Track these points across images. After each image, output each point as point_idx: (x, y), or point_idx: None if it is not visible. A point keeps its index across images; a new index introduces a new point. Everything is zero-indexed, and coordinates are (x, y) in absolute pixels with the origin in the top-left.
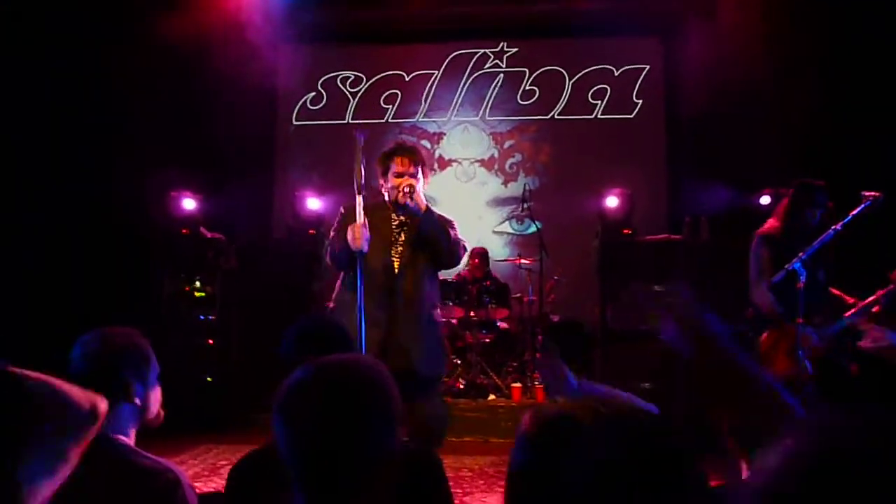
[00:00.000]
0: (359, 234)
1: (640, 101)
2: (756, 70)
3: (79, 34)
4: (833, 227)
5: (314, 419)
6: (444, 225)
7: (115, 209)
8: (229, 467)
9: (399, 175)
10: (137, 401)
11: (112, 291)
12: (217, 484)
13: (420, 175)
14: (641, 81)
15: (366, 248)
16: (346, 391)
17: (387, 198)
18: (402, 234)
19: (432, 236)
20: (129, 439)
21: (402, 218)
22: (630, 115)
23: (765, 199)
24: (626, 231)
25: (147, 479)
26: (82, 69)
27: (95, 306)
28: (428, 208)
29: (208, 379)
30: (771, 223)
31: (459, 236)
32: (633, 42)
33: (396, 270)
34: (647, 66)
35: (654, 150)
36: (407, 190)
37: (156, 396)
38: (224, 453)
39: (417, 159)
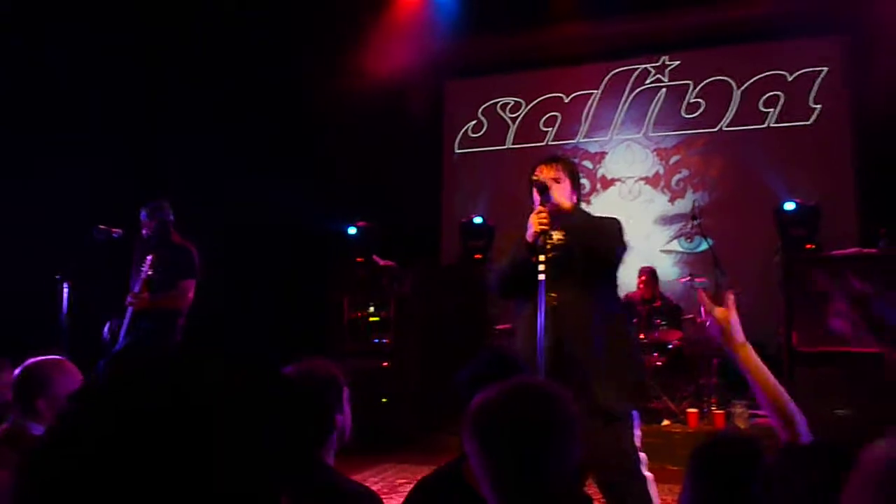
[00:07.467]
0: (536, 218)
1: (819, 106)
2: None
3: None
4: None
5: (504, 437)
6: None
7: (297, 238)
8: (408, 485)
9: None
10: (339, 427)
11: (297, 317)
12: (396, 502)
13: (565, 181)
14: (819, 84)
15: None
16: (529, 411)
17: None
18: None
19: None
20: (331, 462)
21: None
22: (807, 121)
23: None
24: (808, 245)
25: (354, 502)
26: (268, 103)
27: (283, 330)
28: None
29: (384, 400)
30: None
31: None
32: (807, 44)
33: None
34: (826, 68)
35: (839, 158)
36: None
37: (349, 420)
38: (402, 472)
39: (558, 165)
